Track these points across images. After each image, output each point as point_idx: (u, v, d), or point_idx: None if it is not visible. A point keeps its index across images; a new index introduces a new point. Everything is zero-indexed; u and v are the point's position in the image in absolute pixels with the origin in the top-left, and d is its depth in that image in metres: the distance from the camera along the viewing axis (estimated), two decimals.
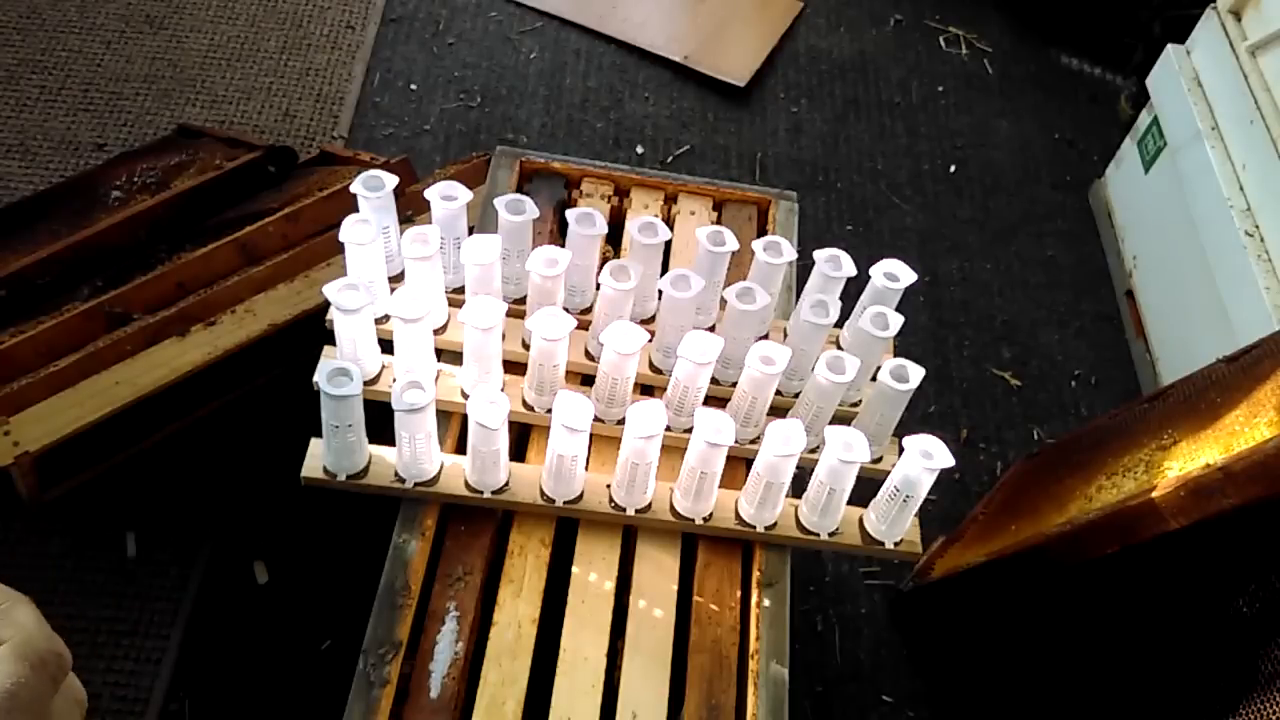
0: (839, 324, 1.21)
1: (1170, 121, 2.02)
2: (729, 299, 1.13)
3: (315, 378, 1.05)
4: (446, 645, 1.01)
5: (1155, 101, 2.08)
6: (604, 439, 1.18)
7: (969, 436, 1.96)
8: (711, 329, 1.23)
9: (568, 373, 1.15)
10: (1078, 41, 2.68)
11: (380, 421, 1.09)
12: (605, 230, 1.18)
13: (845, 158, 2.37)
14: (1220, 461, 1.07)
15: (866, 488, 1.12)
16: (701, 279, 1.12)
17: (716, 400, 1.18)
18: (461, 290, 1.19)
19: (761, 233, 1.43)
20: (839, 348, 1.25)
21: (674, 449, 1.12)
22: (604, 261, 1.17)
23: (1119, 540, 1.18)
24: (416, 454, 1.05)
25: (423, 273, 1.11)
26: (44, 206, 1.85)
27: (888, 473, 1.08)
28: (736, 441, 1.04)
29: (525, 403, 1.15)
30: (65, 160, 2.08)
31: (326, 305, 1.09)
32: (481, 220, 1.37)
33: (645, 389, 1.22)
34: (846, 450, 1.02)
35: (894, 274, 1.17)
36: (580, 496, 1.09)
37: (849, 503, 1.10)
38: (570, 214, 1.17)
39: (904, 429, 1.10)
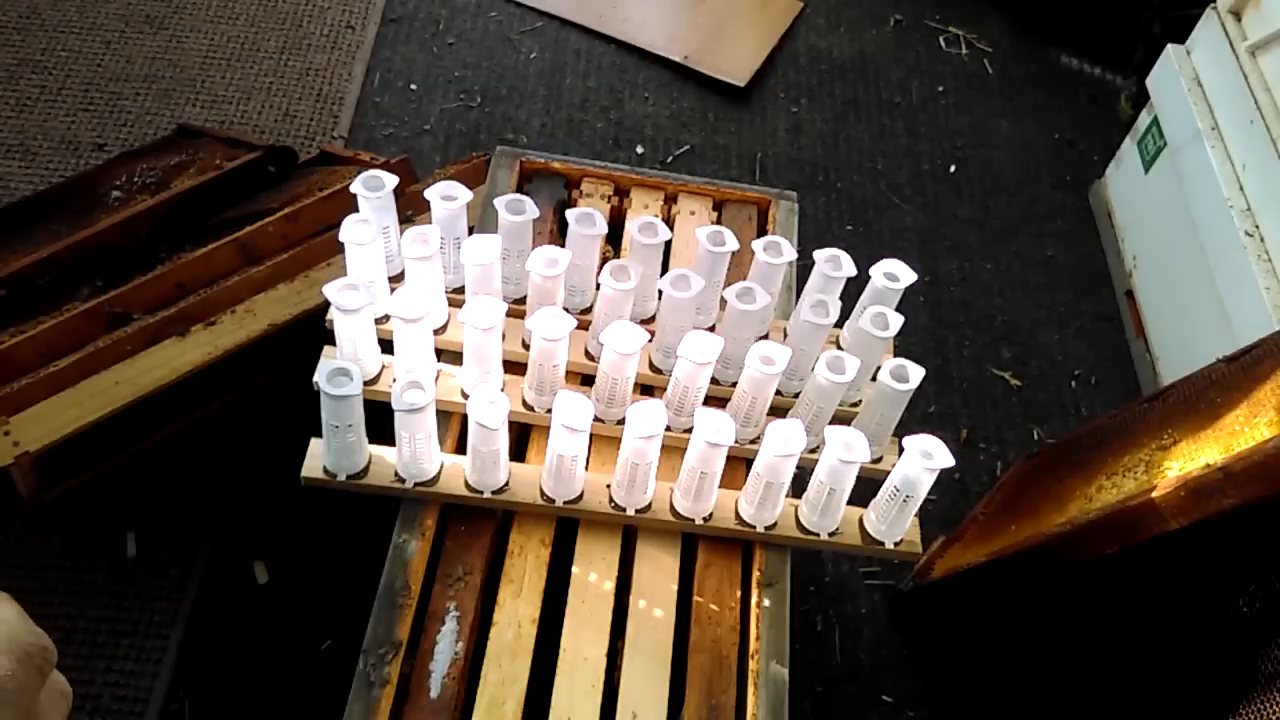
0: (839, 324, 1.21)
1: (1170, 121, 2.02)
2: (729, 299, 1.13)
3: (315, 378, 1.05)
4: (446, 645, 1.01)
5: (1155, 101, 2.08)
6: (604, 439, 1.18)
7: (969, 436, 1.96)
8: (711, 329, 1.23)
9: (568, 373, 1.15)
10: (1078, 41, 2.68)
11: (380, 421, 1.09)
12: (605, 230, 1.18)
13: (845, 158, 2.37)
14: (1220, 461, 1.07)
15: (866, 488, 1.12)
16: (701, 279, 1.12)
17: (716, 400, 1.18)
18: (461, 290, 1.19)
19: (761, 233, 1.43)
20: (839, 348, 1.25)
21: (674, 449, 1.12)
22: (604, 261, 1.17)
23: (1119, 540, 1.18)
24: (416, 454, 1.05)
25: (423, 273, 1.11)
26: (44, 206, 1.85)
27: (888, 473, 1.08)
28: (736, 441, 1.04)
29: (525, 403, 1.15)
30: (65, 160, 2.08)
31: (326, 305, 1.09)
32: (481, 220, 1.37)
33: (645, 389, 1.22)
34: (846, 450, 1.02)
35: (894, 274, 1.17)
36: (580, 496, 1.09)
37: (849, 503, 1.10)
38: (570, 214, 1.17)
39: (904, 429, 1.10)
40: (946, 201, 2.33)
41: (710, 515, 1.10)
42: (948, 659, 1.68)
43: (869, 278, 1.18)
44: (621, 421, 1.10)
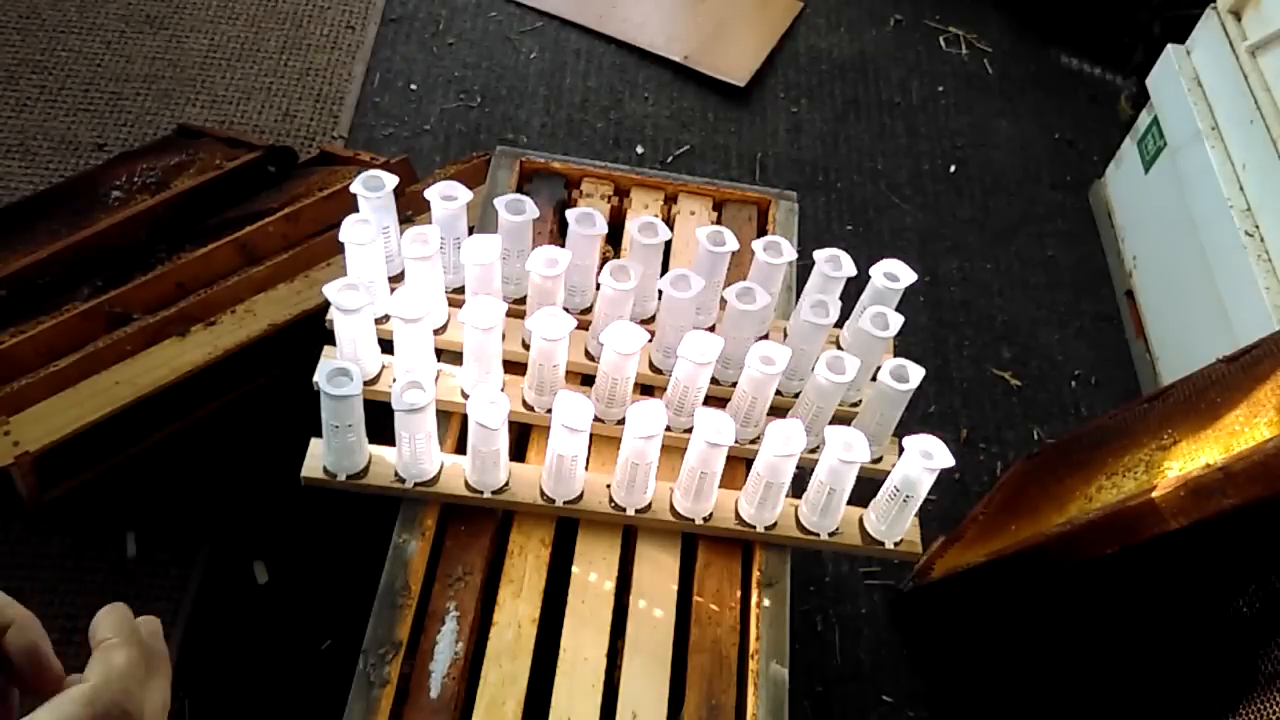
0: (839, 324, 1.21)
1: (1170, 121, 2.02)
2: (729, 299, 1.13)
3: (315, 378, 1.05)
4: (446, 645, 1.01)
5: (1155, 101, 2.08)
6: (604, 439, 1.18)
7: (969, 436, 1.96)
8: (711, 329, 1.23)
9: (568, 373, 1.15)
10: (1078, 41, 2.68)
11: (380, 421, 1.09)
12: (605, 230, 1.18)
13: (845, 158, 2.37)
14: (1220, 461, 1.07)
15: (866, 488, 1.12)
16: (701, 279, 1.12)
17: (716, 400, 1.18)
18: (461, 290, 1.19)
19: (761, 233, 1.43)
20: (839, 348, 1.25)
21: (674, 449, 1.12)
22: (604, 261, 1.17)
23: (1119, 540, 1.18)
24: (416, 454, 1.05)
25: (423, 273, 1.11)
26: (44, 206, 1.85)
27: (888, 473, 1.08)
28: (736, 441, 1.04)
29: (525, 403, 1.15)
30: (65, 160, 2.08)
31: (326, 305, 1.09)
32: (481, 220, 1.37)
33: (645, 389, 1.22)
34: (846, 450, 1.02)
35: (894, 274, 1.17)
36: (580, 496, 1.09)
37: (849, 503, 1.10)
38: (570, 214, 1.17)
39: (904, 429, 1.10)
40: (946, 201, 2.33)
41: (710, 515, 1.10)
42: (948, 659, 1.68)
43: (869, 278, 1.18)
44: (621, 421, 1.10)
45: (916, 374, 1.08)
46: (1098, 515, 1.20)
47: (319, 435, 1.05)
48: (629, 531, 1.13)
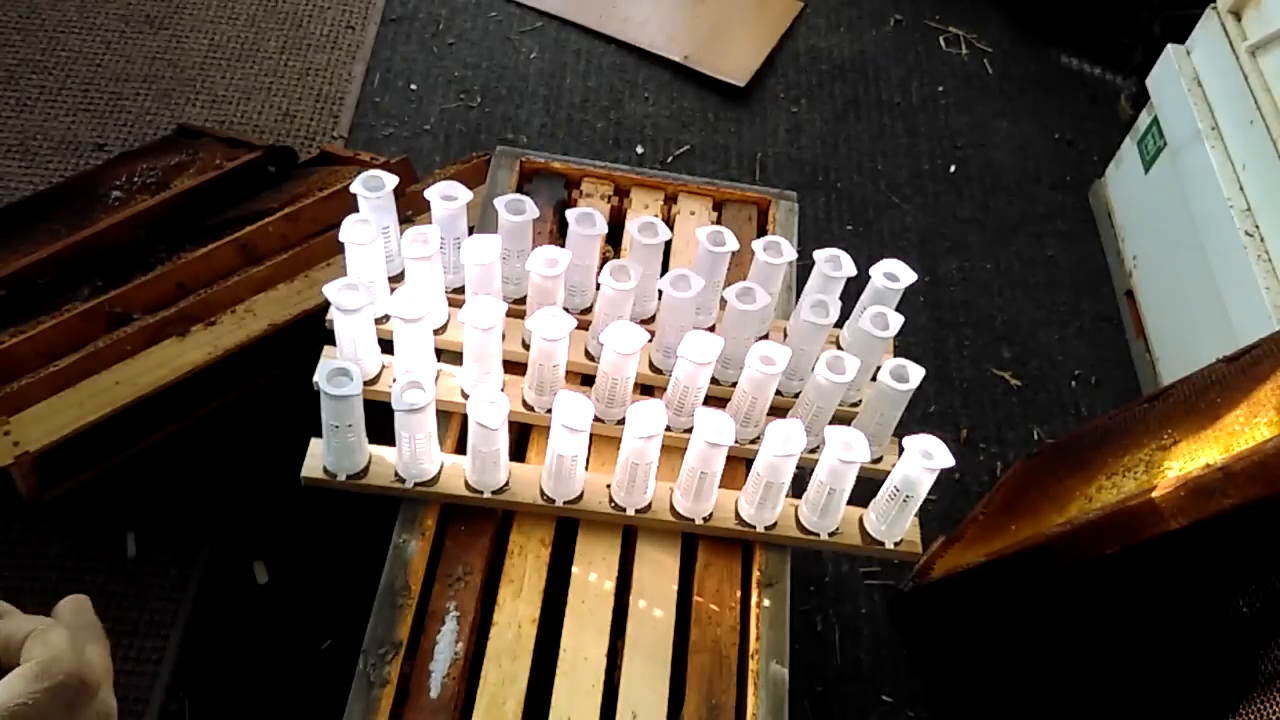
0: (839, 324, 1.21)
1: (1170, 121, 2.02)
2: (729, 299, 1.13)
3: (315, 378, 1.05)
4: (446, 645, 1.01)
5: (1155, 101, 2.08)
6: (604, 439, 1.18)
7: (969, 436, 1.96)
8: (711, 329, 1.23)
9: (568, 373, 1.15)
10: (1078, 41, 2.68)
11: (380, 421, 1.09)
12: (605, 230, 1.18)
13: (845, 158, 2.37)
14: (1220, 461, 1.07)
15: (866, 488, 1.12)
16: (701, 279, 1.12)
17: (716, 400, 1.18)
18: (461, 290, 1.19)
19: (761, 233, 1.43)
20: (839, 348, 1.25)
21: (674, 449, 1.12)
22: (604, 261, 1.17)
23: (1119, 540, 1.18)
24: (416, 454, 1.05)
25: (423, 273, 1.11)
26: (44, 206, 1.85)
27: (888, 473, 1.08)
28: (736, 441, 1.04)
29: (525, 403, 1.15)
30: (65, 160, 2.08)
31: (326, 305, 1.09)
32: (481, 220, 1.37)
33: (645, 389, 1.22)
34: (846, 450, 1.02)
35: (894, 274, 1.17)
36: (580, 496, 1.09)
37: (849, 503, 1.10)
38: (570, 214, 1.17)
39: (904, 429, 1.10)
40: (946, 201, 2.33)
41: (710, 515, 1.10)
42: (948, 659, 1.68)
43: (869, 278, 1.18)
44: (621, 421, 1.10)
45: (916, 374, 1.08)
46: (1098, 515, 1.20)
47: (319, 435, 1.05)
48: (629, 531, 1.13)
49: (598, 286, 1.16)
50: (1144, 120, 2.14)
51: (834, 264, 1.17)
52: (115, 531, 1.63)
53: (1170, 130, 2.02)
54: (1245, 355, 1.26)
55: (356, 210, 1.14)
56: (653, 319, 1.24)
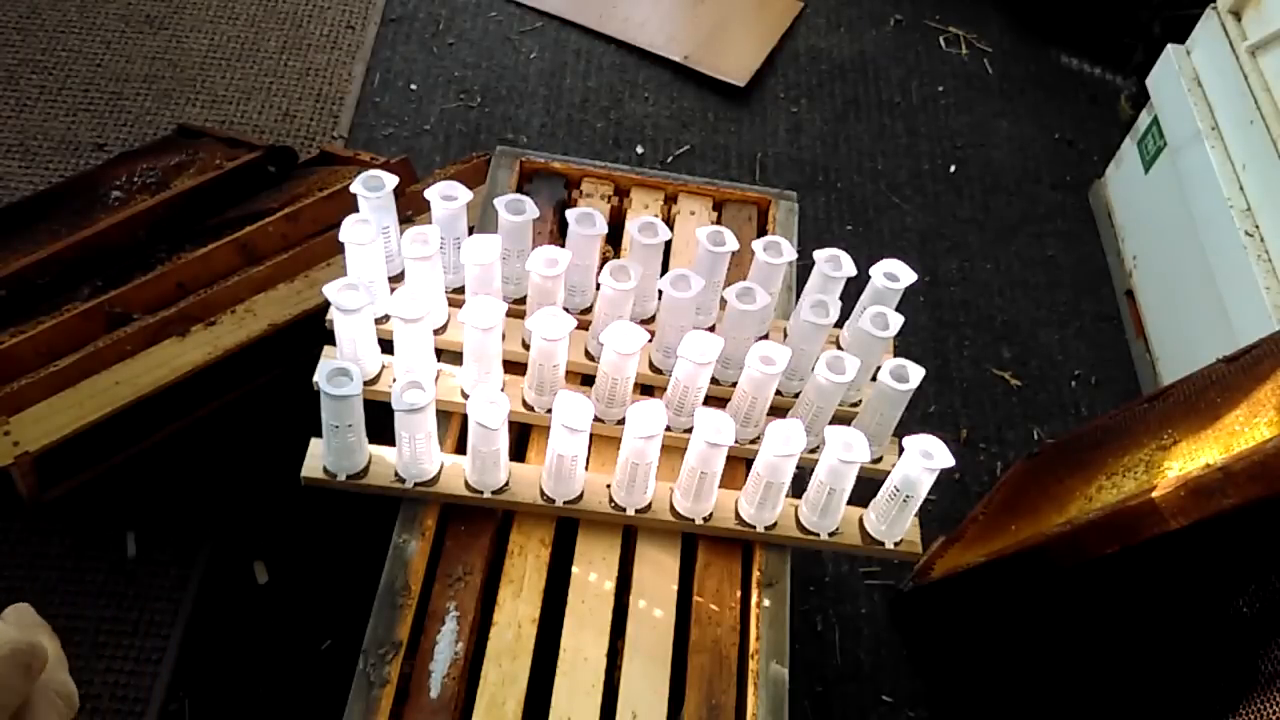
0: (839, 324, 1.21)
1: (1170, 121, 2.02)
2: (729, 299, 1.13)
3: (315, 378, 1.05)
4: (446, 645, 1.01)
5: (1155, 101, 2.08)
6: (604, 439, 1.18)
7: (969, 436, 1.96)
8: (711, 329, 1.23)
9: (568, 373, 1.15)
10: (1078, 41, 2.68)
11: (380, 421, 1.09)
12: (605, 230, 1.18)
13: (845, 158, 2.37)
14: (1220, 461, 1.07)
15: (866, 488, 1.12)
16: (701, 279, 1.12)
17: (716, 400, 1.18)
18: (461, 290, 1.19)
19: (761, 233, 1.43)
20: (839, 348, 1.25)
21: (674, 449, 1.12)
22: (604, 261, 1.17)
23: (1119, 540, 1.18)
24: (416, 454, 1.05)
25: (423, 273, 1.11)
26: (44, 206, 1.85)
27: (888, 473, 1.08)
28: (736, 441, 1.04)
29: (525, 403, 1.15)
30: (65, 160, 2.08)
31: (326, 305, 1.09)
32: (481, 220, 1.37)
33: (645, 389, 1.22)
34: (846, 450, 1.02)
35: (894, 274, 1.17)
36: (580, 496, 1.09)
37: (849, 503, 1.10)
38: (570, 214, 1.17)
39: (904, 429, 1.10)
40: (946, 201, 2.33)
41: (710, 515, 1.10)
42: (948, 659, 1.68)
43: (869, 278, 1.18)
44: (621, 421, 1.10)
45: (916, 374, 1.08)
46: (1098, 515, 1.20)
47: (319, 435, 1.05)
48: (629, 531, 1.13)
49: (598, 286, 1.16)
50: (1144, 120, 2.14)
51: (834, 264, 1.17)
52: (115, 531, 1.63)
53: (1170, 130, 2.02)
54: (1245, 355, 1.26)
55: (356, 210, 1.14)
56: (653, 319, 1.24)
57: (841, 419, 1.17)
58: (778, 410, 1.17)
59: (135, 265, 1.66)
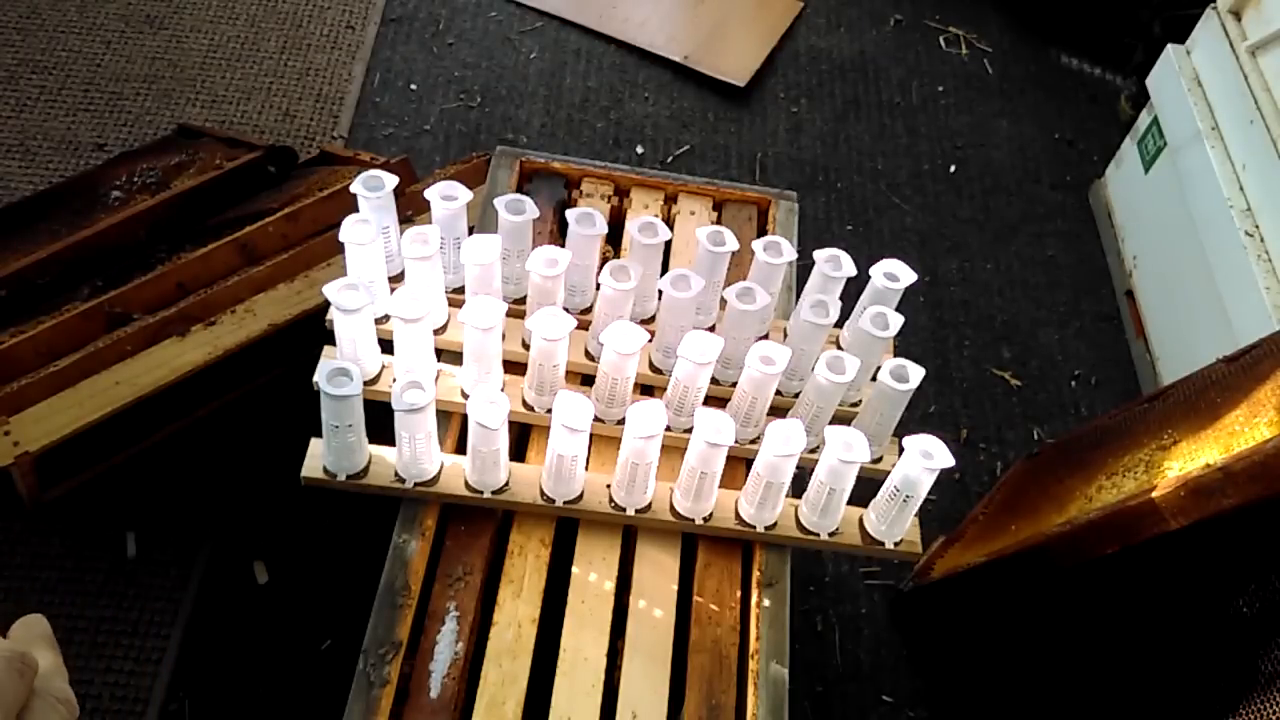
0: (839, 324, 1.21)
1: (1170, 121, 2.02)
2: (729, 299, 1.13)
3: (315, 378, 1.05)
4: (446, 645, 1.01)
5: (1155, 101, 2.08)
6: (604, 439, 1.18)
7: (969, 436, 1.96)
8: (711, 329, 1.23)
9: (568, 373, 1.15)
10: (1078, 41, 2.68)
11: (380, 421, 1.09)
12: (605, 230, 1.18)
13: (845, 158, 2.37)
14: (1220, 461, 1.07)
15: (866, 488, 1.12)
16: (701, 279, 1.12)
17: (716, 400, 1.18)
18: (461, 290, 1.19)
19: (761, 233, 1.43)
20: (839, 348, 1.25)
21: (674, 449, 1.12)
22: (604, 261, 1.17)
23: (1119, 540, 1.18)
24: (416, 454, 1.05)
25: (423, 273, 1.11)
26: (44, 206, 1.85)
27: (888, 473, 1.08)
28: (736, 441, 1.04)
29: (525, 403, 1.15)
30: (65, 160, 2.08)
31: (326, 305, 1.09)
32: (481, 220, 1.37)
33: (645, 389, 1.22)
34: (846, 450, 1.02)
35: (894, 274, 1.17)
36: (580, 496, 1.09)
37: (849, 503, 1.10)
38: (570, 214, 1.17)
39: (904, 429, 1.10)
40: (946, 201, 2.33)
41: (710, 515, 1.10)
42: (948, 659, 1.68)
43: (869, 278, 1.18)
44: (621, 421, 1.10)
45: (916, 374, 1.08)
46: (1098, 515, 1.20)
47: (319, 435, 1.05)
48: (629, 531, 1.13)
49: (598, 286, 1.15)
50: (1144, 120, 2.14)
51: (834, 264, 1.17)
52: (115, 531, 1.63)
53: (1170, 130, 2.02)
54: (1245, 355, 1.26)
55: (356, 210, 1.14)
56: (653, 319, 1.24)
57: (841, 419, 1.17)
58: (778, 410, 1.17)
59: (135, 265, 1.66)
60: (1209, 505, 1.07)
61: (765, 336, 1.25)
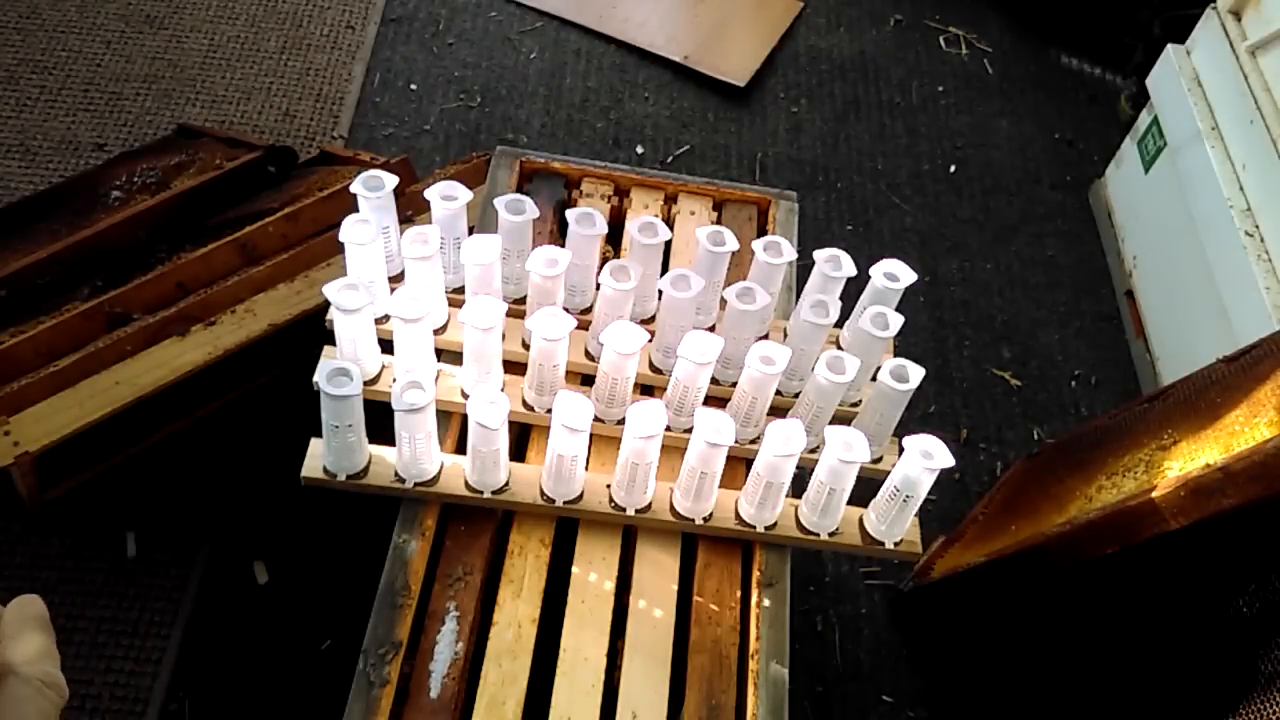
0: (839, 324, 1.21)
1: (1170, 121, 2.02)
2: (729, 299, 1.13)
3: (315, 378, 1.05)
4: (446, 645, 1.01)
5: (1155, 101, 2.08)
6: (604, 439, 1.18)
7: (969, 436, 1.96)
8: (711, 329, 1.23)
9: (568, 373, 1.15)
10: (1078, 41, 2.68)
11: (380, 421, 1.09)
12: (605, 230, 1.18)
13: (845, 158, 2.37)
14: (1220, 461, 1.07)
15: (866, 488, 1.12)
16: (701, 279, 1.12)
17: (716, 400, 1.18)
18: (461, 290, 1.19)
19: (761, 233, 1.43)
20: (839, 348, 1.25)
21: (674, 449, 1.12)
22: (604, 261, 1.17)
23: (1119, 540, 1.18)
24: (416, 454, 1.05)
25: (423, 273, 1.11)
26: (44, 206, 1.85)
27: (888, 473, 1.08)
28: (736, 441, 1.04)
29: (525, 403, 1.15)
30: (65, 160, 2.08)
31: (326, 305, 1.09)
32: (481, 220, 1.37)
33: (645, 389, 1.22)
34: (846, 450, 1.02)
35: (894, 274, 1.17)
36: (580, 496, 1.09)
37: (849, 503, 1.10)
38: (570, 214, 1.17)
39: (904, 429, 1.10)
40: (946, 201, 2.33)
41: (710, 515, 1.10)
42: (948, 659, 1.68)
43: (869, 278, 1.18)
44: (621, 421, 1.10)
45: (916, 374, 1.08)
46: (1098, 515, 1.20)
47: (319, 435, 1.05)
48: (629, 531, 1.13)
49: (598, 286, 1.15)
50: (1144, 120, 2.14)
51: (834, 264, 1.17)
52: (115, 531, 1.63)
53: (1170, 130, 2.02)
54: (1245, 355, 1.26)
55: (356, 210, 1.14)
56: (653, 319, 1.24)
57: (841, 419, 1.17)
58: (778, 410, 1.17)
59: (135, 265, 1.66)
60: (1209, 505, 1.07)
61: (765, 336, 1.25)
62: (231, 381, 1.59)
